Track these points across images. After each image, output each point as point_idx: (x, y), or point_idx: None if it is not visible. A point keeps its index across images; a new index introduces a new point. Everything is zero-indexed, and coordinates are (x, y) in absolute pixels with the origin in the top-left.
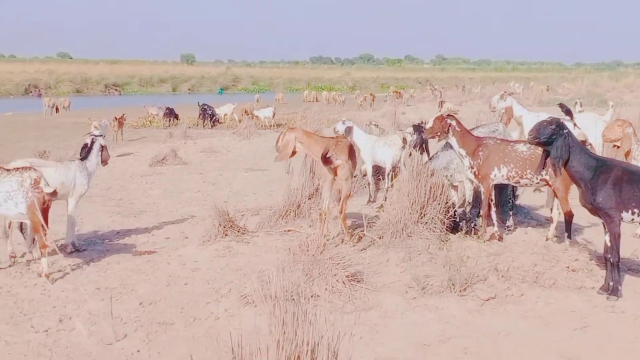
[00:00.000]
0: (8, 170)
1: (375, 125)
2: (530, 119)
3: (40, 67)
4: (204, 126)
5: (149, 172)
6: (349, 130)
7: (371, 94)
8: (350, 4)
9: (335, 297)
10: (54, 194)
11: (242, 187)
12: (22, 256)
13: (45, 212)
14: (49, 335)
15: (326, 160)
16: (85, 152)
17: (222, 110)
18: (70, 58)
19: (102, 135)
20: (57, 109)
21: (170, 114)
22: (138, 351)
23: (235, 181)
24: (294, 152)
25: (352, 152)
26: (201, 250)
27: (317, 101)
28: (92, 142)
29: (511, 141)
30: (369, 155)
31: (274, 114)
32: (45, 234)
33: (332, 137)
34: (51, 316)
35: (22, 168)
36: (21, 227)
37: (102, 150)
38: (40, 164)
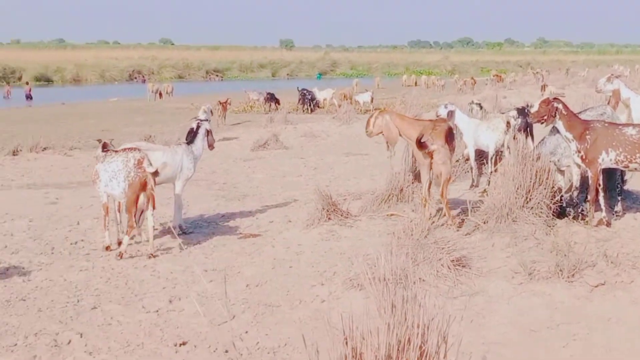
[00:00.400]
0: (117, 151)
1: (477, 104)
2: (638, 101)
3: (144, 53)
4: (303, 111)
5: (251, 157)
6: (451, 114)
7: (472, 78)
8: None
9: (440, 281)
10: (156, 173)
11: (343, 171)
12: (132, 238)
13: (151, 191)
14: (160, 315)
15: (420, 144)
16: (192, 136)
17: (322, 95)
18: (172, 44)
19: (207, 120)
20: (160, 95)
21: (272, 99)
22: (246, 332)
23: (335, 165)
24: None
25: (450, 136)
26: (305, 234)
27: (415, 85)
28: (198, 127)
29: (619, 124)
30: (472, 139)
31: (372, 98)
32: (134, 215)
33: (430, 120)
34: (161, 297)
35: (128, 149)
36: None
37: (207, 135)
38: (148, 148)
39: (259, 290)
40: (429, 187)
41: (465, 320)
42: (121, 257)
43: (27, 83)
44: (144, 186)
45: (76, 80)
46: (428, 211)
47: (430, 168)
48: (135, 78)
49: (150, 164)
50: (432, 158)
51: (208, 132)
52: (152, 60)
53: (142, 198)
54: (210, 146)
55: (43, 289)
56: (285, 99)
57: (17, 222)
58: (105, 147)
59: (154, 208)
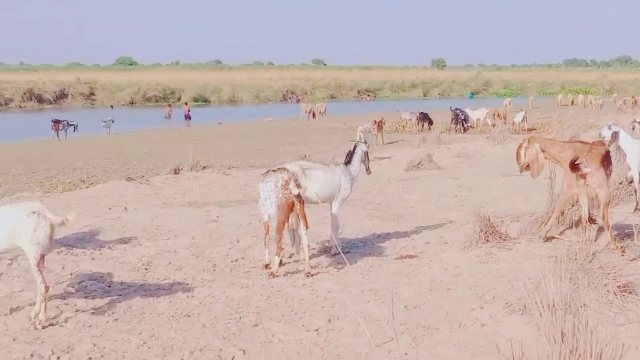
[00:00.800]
0: (274, 171)
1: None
2: None
3: (297, 74)
4: (456, 131)
5: (405, 177)
6: (615, 135)
7: (632, 97)
8: (607, 3)
9: (605, 308)
10: (299, 196)
11: (499, 192)
12: (290, 257)
13: (301, 212)
14: (320, 334)
15: (574, 167)
16: (349, 157)
17: (475, 114)
18: (325, 65)
19: (365, 142)
20: (313, 115)
21: (424, 118)
22: (406, 354)
23: (491, 186)
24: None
25: (606, 160)
26: (462, 256)
27: (572, 105)
28: (355, 148)
29: None
30: (636, 160)
31: (525, 118)
32: (279, 235)
33: (584, 143)
34: (320, 316)
35: (278, 169)
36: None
37: (364, 157)
38: (309, 167)
39: (417, 311)
40: (588, 210)
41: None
42: (273, 276)
43: (185, 103)
44: (291, 207)
45: (232, 100)
46: (589, 234)
47: (587, 191)
48: (290, 98)
49: (296, 186)
50: (585, 181)
51: (365, 155)
52: (306, 80)
53: (292, 218)
54: (368, 170)
55: (206, 305)
56: (438, 118)
57: (180, 239)
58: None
59: (306, 227)
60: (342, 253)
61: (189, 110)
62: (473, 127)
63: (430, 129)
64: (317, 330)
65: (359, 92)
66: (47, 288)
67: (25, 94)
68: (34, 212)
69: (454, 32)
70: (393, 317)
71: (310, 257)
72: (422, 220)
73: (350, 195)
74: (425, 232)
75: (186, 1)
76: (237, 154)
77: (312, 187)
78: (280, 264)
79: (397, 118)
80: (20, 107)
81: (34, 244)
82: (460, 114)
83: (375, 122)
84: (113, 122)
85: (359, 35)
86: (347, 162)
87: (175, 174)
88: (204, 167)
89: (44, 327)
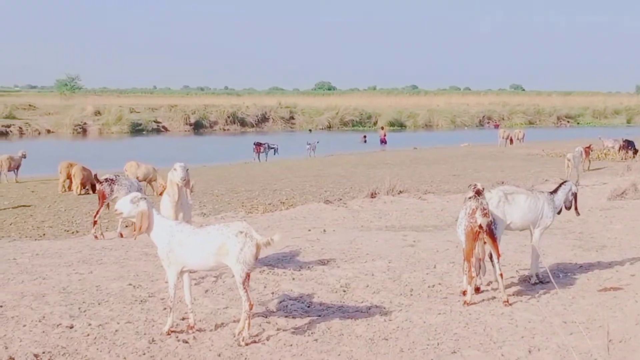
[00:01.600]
0: (469, 198)
1: None
2: None
3: (494, 99)
4: None
5: (607, 206)
6: None
7: None
8: None
9: None
10: (482, 226)
11: None
12: (488, 284)
13: (490, 241)
14: None
15: None
16: (556, 187)
17: None
18: (523, 90)
19: (577, 184)
20: (511, 141)
21: (629, 146)
22: None
23: None
24: None
25: None
26: None
27: None
28: (564, 182)
29: None
30: None
31: None
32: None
33: None
34: (520, 346)
35: (470, 197)
36: (491, 256)
37: (571, 195)
38: (512, 191)
39: (623, 346)
40: None
41: None
42: (467, 305)
43: (382, 128)
44: (476, 236)
45: (428, 125)
46: None
47: None
48: (488, 123)
49: (483, 215)
50: None
51: (573, 195)
52: (503, 106)
53: (477, 247)
54: (576, 210)
55: (404, 330)
56: None
57: (378, 263)
58: (478, 193)
59: (498, 256)
60: (542, 282)
61: (384, 135)
62: None
63: (634, 157)
64: None
65: (558, 118)
66: (251, 306)
67: (229, 117)
68: (241, 232)
69: None
70: (608, 350)
71: (509, 286)
72: (627, 251)
73: (551, 225)
74: (630, 264)
75: (383, 28)
76: (432, 179)
77: (514, 212)
78: (478, 291)
79: (599, 145)
80: (224, 129)
81: (240, 262)
82: None
83: (584, 149)
84: (318, 142)
85: (559, 60)
86: (553, 191)
87: (372, 197)
88: (400, 192)
89: (247, 344)
